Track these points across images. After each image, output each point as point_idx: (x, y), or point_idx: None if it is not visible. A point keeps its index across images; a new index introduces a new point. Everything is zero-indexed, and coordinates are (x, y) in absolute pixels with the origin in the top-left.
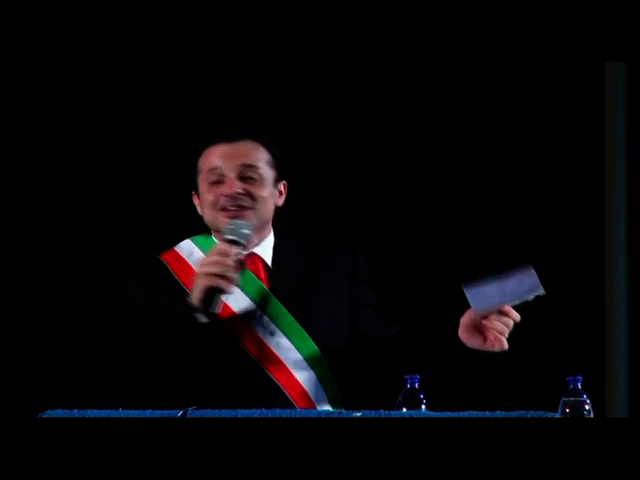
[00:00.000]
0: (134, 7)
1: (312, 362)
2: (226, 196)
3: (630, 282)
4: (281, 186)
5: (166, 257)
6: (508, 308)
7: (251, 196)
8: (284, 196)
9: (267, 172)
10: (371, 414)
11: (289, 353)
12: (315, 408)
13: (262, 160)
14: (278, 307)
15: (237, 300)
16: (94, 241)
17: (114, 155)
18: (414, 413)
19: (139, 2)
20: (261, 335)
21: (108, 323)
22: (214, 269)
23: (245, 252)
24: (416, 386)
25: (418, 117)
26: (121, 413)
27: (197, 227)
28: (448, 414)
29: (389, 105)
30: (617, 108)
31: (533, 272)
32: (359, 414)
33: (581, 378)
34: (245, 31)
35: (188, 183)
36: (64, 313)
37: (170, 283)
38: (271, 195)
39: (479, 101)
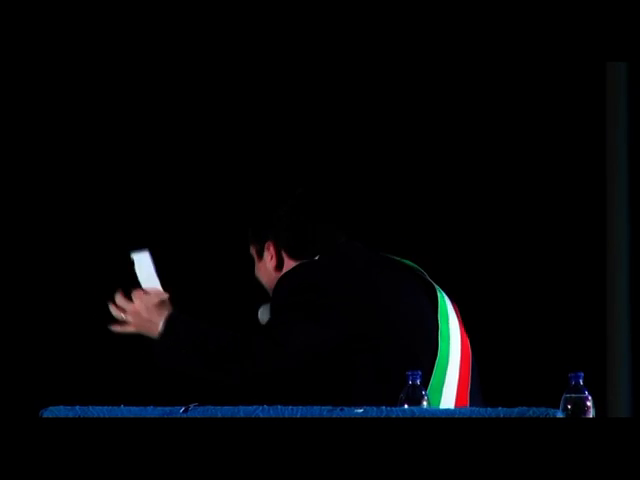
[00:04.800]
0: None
1: None
2: None
3: (632, 278)
4: (265, 250)
5: None
6: None
7: None
8: (274, 254)
9: (253, 253)
10: (373, 411)
11: None
12: None
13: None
14: None
15: None
16: (94, 239)
17: (118, 154)
18: (416, 409)
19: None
20: None
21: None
22: None
23: None
24: (418, 382)
25: (420, 118)
26: (123, 410)
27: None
28: (449, 410)
29: (390, 107)
30: (619, 108)
31: None
32: (361, 411)
33: (583, 374)
34: (250, 33)
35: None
36: (66, 308)
37: None
38: (260, 269)
39: (481, 101)
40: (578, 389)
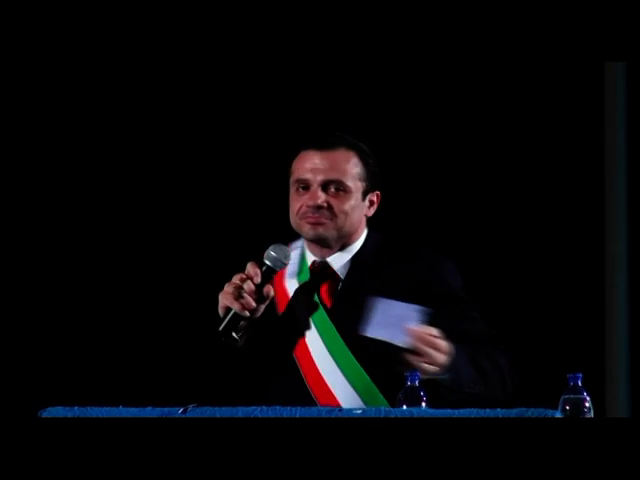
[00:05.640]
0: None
1: (364, 395)
2: (308, 207)
3: (630, 279)
4: (373, 197)
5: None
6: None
7: (331, 209)
8: (375, 206)
9: (355, 185)
10: (371, 411)
11: (341, 385)
12: None
13: (351, 173)
14: (331, 330)
15: (300, 313)
16: (93, 240)
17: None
18: (414, 410)
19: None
20: (314, 358)
21: (108, 319)
22: (230, 289)
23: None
24: (416, 383)
25: (419, 118)
26: (121, 411)
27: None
28: (448, 412)
29: (390, 107)
30: (617, 108)
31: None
32: (359, 411)
33: (581, 375)
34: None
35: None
36: (64, 308)
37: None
38: (357, 207)
39: (479, 101)
40: (577, 390)
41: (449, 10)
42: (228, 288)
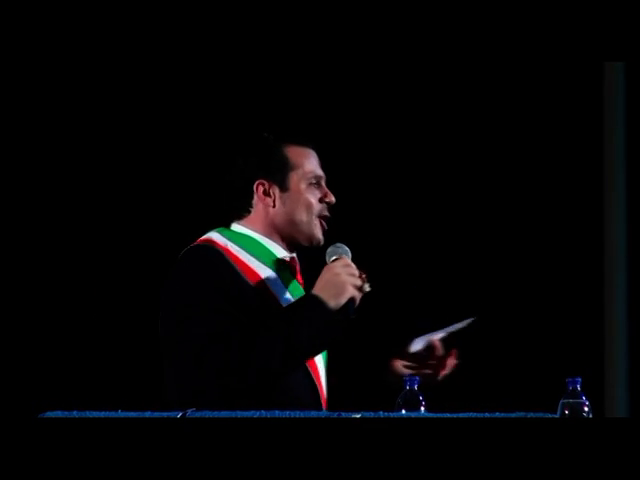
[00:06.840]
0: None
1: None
2: (329, 204)
3: (629, 283)
4: None
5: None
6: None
7: None
8: None
9: None
10: (370, 416)
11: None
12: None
13: None
14: None
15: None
16: (94, 242)
17: (123, 154)
18: (413, 415)
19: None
20: None
21: (108, 324)
22: (358, 282)
23: None
24: (415, 388)
25: (418, 116)
26: (120, 415)
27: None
28: (447, 415)
29: (387, 107)
30: (616, 108)
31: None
32: (358, 416)
33: (580, 379)
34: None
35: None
36: (65, 314)
37: (230, 272)
38: None
39: (479, 101)
40: (575, 394)
41: (450, 10)
42: (357, 281)
